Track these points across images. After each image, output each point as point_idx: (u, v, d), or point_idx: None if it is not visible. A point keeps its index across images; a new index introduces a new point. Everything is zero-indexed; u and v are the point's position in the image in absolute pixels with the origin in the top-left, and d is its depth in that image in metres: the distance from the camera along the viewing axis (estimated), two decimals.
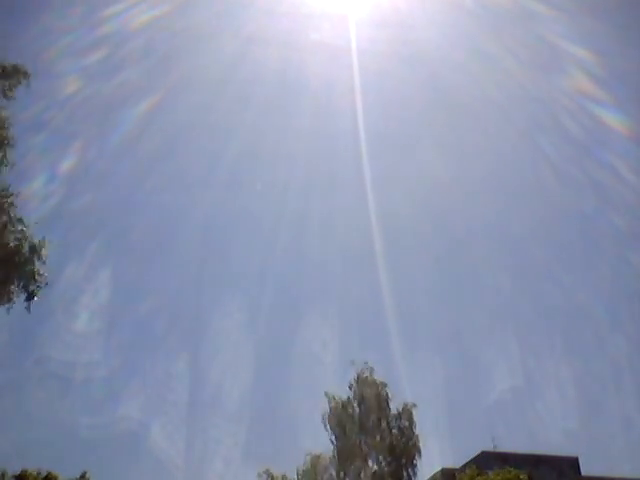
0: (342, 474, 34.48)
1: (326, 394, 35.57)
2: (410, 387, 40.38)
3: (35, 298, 18.06)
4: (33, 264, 17.68)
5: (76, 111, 40.75)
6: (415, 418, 35.22)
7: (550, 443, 40.83)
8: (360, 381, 35.81)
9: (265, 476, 36.77)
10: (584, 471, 40.60)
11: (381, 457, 34.93)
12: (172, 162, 52.52)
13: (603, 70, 41.37)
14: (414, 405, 35.48)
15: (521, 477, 29.91)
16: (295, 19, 43.69)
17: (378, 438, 34.86)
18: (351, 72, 43.48)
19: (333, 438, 34.89)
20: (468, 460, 37.52)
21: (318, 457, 35.44)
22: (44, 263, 17.94)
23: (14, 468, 35.08)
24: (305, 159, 51.23)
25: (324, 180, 52.27)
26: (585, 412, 44.78)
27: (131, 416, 41.93)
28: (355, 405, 35.54)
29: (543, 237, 54.54)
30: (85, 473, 36.63)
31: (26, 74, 19.54)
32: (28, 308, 18.02)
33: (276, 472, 36.77)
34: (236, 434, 41.14)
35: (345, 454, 34.57)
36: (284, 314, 52.02)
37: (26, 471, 35.48)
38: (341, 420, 34.99)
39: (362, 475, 34.27)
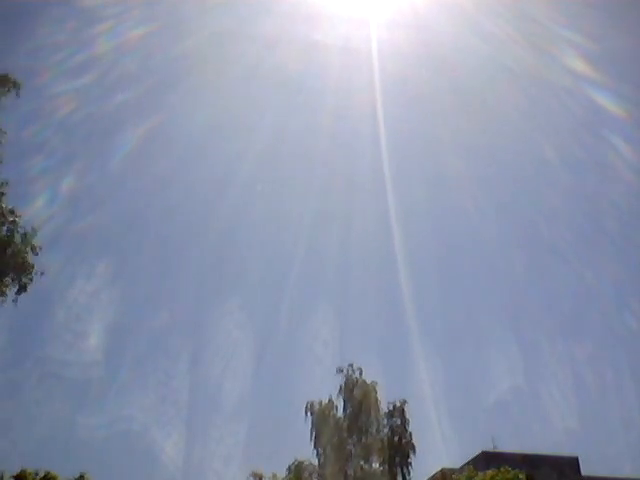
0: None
1: (306, 405, 35.78)
2: (410, 387, 40.52)
3: (27, 290, 17.99)
4: (26, 255, 17.58)
5: (82, 127, 41.32)
6: (408, 416, 35.37)
7: (550, 443, 40.73)
8: (349, 383, 35.96)
9: (252, 479, 36.87)
10: (584, 471, 40.39)
11: (374, 457, 35.01)
12: (189, 168, 52.98)
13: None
14: (405, 402, 35.59)
15: (520, 477, 29.85)
16: (315, 22, 44.07)
17: (369, 438, 34.91)
18: (371, 75, 43.93)
19: (318, 446, 35.06)
20: (468, 460, 37.39)
21: (302, 464, 35.55)
22: (37, 254, 17.86)
23: (13, 468, 35.18)
24: (325, 161, 51.59)
25: (344, 181, 52.49)
26: (585, 412, 44.65)
27: (131, 416, 41.86)
28: (341, 408, 35.77)
29: (551, 222, 54.27)
30: (84, 474, 36.63)
31: (16, 83, 19.55)
32: (16, 301, 17.93)
33: (267, 473, 36.82)
34: (236, 434, 41.10)
35: (331, 459, 34.59)
36: (290, 314, 52.05)
37: (25, 471, 35.43)
38: (326, 426, 35.06)
39: (350, 477, 34.26)
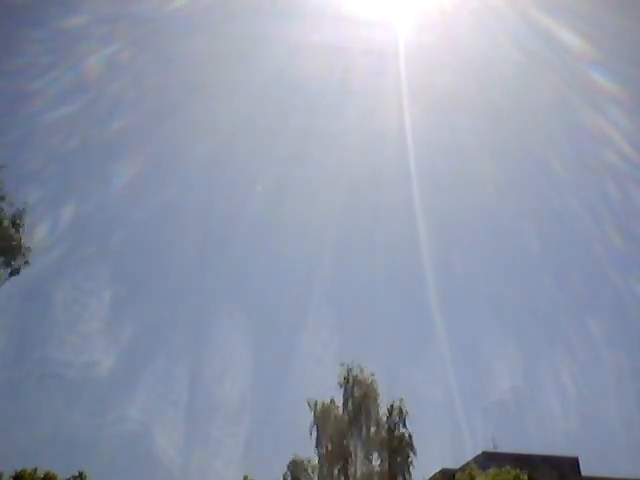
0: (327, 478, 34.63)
1: (308, 402, 35.93)
2: (410, 387, 40.41)
3: (19, 274, 17.99)
4: (18, 237, 17.56)
5: (80, 153, 41.65)
6: (406, 414, 35.41)
7: (550, 443, 40.56)
8: (349, 381, 36.07)
9: None
10: (584, 471, 40.25)
11: (374, 455, 35.07)
12: (213, 170, 53.09)
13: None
14: (402, 400, 35.70)
15: (521, 477, 29.79)
16: (341, 26, 44.22)
17: (369, 437, 34.96)
18: (397, 78, 44.36)
19: (319, 445, 35.17)
20: (468, 460, 37.31)
21: (301, 462, 35.61)
22: (20, 232, 17.78)
23: (13, 468, 35.29)
24: (351, 164, 51.81)
25: (370, 185, 52.63)
26: (585, 412, 44.41)
27: (131, 416, 41.85)
28: (341, 406, 35.86)
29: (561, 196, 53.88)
30: (82, 472, 36.77)
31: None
32: (7, 279, 17.93)
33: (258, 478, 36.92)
34: (236, 435, 41.03)
35: (331, 457, 34.65)
36: (293, 315, 52.11)
37: (25, 471, 35.56)
38: (327, 423, 35.14)
39: (351, 475, 34.27)
